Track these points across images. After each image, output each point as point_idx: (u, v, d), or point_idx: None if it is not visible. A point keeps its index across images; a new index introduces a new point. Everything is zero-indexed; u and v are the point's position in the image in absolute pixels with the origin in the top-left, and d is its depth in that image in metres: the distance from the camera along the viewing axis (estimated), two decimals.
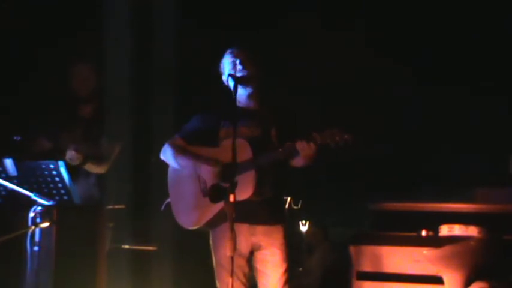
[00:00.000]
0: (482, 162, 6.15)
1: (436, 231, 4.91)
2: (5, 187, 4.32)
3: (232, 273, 3.67)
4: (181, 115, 6.63)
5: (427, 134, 6.43)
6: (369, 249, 4.98)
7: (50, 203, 4.27)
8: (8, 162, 4.34)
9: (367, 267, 4.97)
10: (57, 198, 4.39)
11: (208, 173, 4.17)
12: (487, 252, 4.58)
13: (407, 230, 5.00)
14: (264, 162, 4.07)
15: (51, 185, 4.36)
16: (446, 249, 4.52)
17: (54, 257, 4.50)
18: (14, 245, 4.57)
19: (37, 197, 4.23)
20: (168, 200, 4.41)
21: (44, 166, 4.34)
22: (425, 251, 4.62)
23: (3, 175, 4.36)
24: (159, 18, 6.73)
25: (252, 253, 4.23)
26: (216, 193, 4.11)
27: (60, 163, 4.33)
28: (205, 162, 4.17)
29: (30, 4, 6.30)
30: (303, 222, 5.99)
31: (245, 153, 4.05)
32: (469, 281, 4.47)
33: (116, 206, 5.89)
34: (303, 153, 3.99)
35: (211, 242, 4.31)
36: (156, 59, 6.82)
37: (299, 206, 4.77)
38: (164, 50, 6.78)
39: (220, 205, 4.09)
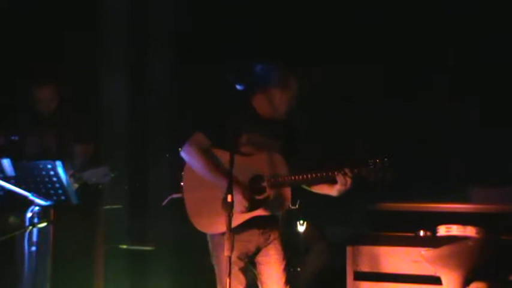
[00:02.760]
0: (477, 162, 6.14)
1: (434, 231, 4.91)
2: (2, 187, 4.31)
3: (230, 274, 3.68)
4: (178, 115, 6.63)
5: (420, 134, 6.43)
6: (366, 249, 4.98)
7: (48, 203, 4.26)
8: (6, 163, 4.33)
9: (364, 267, 4.97)
10: (54, 198, 4.37)
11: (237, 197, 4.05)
12: (485, 252, 4.58)
13: (405, 230, 5.00)
14: (302, 183, 4.18)
15: (49, 185, 4.34)
16: (444, 249, 4.53)
17: (52, 256, 4.49)
18: (11, 245, 4.57)
19: (34, 197, 4.22)
20: (173, 196, 4.40)
21: (41, 166, 4.32)
22: (423, 251, 4.62)
23: (0, 175, 4.34)
24: (157, 18, 6.72)
25: (254, 254, 4.31)
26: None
27: (58, 163, 4.31)
28: (240, 191, 4.07)
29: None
30: (301, 222, 5.99)
31: (282, 168, 4.14)
32: (467, 281, 4.47)
33: (113, 206, 5.89)
34: (340, 186, 4.09)
35: (212, 243, 4.28)
36: (154, 59, 6.81)
37: (297, 206, 4.76)
38: (163, 50, 6.77)
39: (248, 215, 4.12)
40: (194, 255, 5.78)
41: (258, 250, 4.30)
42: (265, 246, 4.30)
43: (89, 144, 5.25)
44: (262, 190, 4.15)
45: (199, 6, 6.54)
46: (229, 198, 3.70)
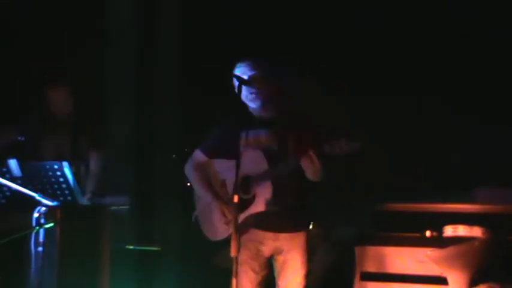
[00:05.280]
0: (484, 162, 6.13)
1: (440, 231, 4.91)
2: (9, 188, 4.32)
3: (236, 275, 3.69)
4: (184, 115, 6.64)
5: (427, 134, 6.42)
6: (372, 250, 4.97)
7: (54, 203, 4.27)
8: (13, 163, 4.35)
9: (371, 267, 4.96)
10: (61, 198, 4.39)
11: (218, 215, 4.24)
12: (491, 252, 4.57)
13: (411, 230, 4.99)
14: (277, 174, 4.13)
15: (55, 186, 4.37)
16: (451, 249, 4.52)
17: (58, 257, 4.51)
18: (18, 246, 4.58)
19: (41, 197, 4.23)
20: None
21: (48, 167, 4.34)
22: (430, 252, 4.61)
23: (7, 176, 4.36)
24: (162, 19, 6.72)
25: (272, 256, 4.33)
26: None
27: (65, 164, 4.33)
28: (219, 207, 4.23)
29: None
30: None
31: (261, 164, 4.15)
32: (473, 282, 4.46)
33: (120, 206, 5.90)
34: (307, 170, 4.08)
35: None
36: (159, 58, 6.82)
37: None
38: (167, 49, 6.77)
39: (242, 217, 4.13)
40: (201, 256, 5.79)
41: (273, 255, 4.31)
42: (281, 254, 4.29)
43: (103, 149, 5.26)
44: (250, 189, 4.18)
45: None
46: (235, 199, 3.73)
